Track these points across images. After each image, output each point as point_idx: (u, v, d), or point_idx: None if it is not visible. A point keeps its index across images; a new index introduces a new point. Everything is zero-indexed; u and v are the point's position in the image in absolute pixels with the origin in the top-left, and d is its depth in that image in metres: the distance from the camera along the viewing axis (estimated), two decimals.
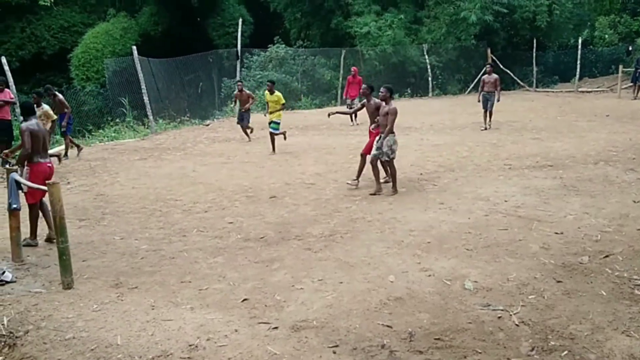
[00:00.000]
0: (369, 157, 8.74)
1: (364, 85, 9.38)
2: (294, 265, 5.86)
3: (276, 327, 4.50)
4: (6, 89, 11.74)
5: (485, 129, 14.21)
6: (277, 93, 12.72)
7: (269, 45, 23.75)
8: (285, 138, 12.84)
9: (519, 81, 24.81)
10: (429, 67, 23.68)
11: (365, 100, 9.12)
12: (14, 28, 26.87)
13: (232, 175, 10.30)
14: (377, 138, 8.61)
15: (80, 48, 26.06)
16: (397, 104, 18.11)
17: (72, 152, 12.71)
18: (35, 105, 9.99)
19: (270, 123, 12.53)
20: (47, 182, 5.61)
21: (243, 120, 14.35)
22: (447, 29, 23.93)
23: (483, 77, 14.80)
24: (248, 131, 14.45)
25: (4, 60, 13.74)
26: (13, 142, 11.15)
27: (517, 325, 4.41)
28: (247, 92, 14.60)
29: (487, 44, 24.27)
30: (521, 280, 5.22)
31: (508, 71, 24.30)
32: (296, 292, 5.20)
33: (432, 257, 5.89)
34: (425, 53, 23.76)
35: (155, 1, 27.84)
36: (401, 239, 6.50)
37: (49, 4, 23.09)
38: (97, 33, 26.48)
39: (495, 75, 14.47)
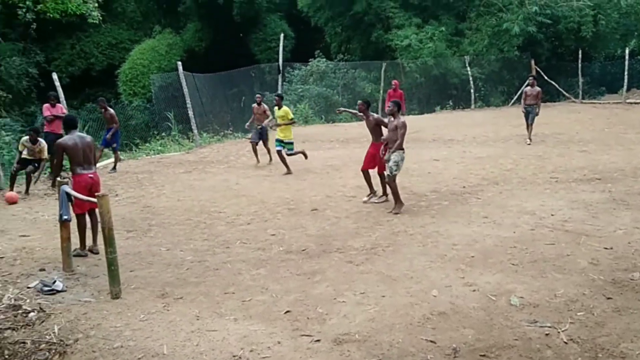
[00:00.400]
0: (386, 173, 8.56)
1: (359, 101, 9.30)
2: (335, 278, 5.86)
3: (318, 340, 4.51)
4: (58, 104, 12.07)
5: (530, 142, 13.83)
6: (284, 108, 12.04)
7: (310, 59, 23.96)
8: (306, 157, 12.15)
9: (564, 92, 24.29)
10: (470, 78, 23.43)
11: (363, 116, 9.07)
12: (64, 45, 27.88)
13: (274, 188, 10.40)
14: (384, 152, 8.44)
15: (127, 64, 26.86)
16: (439, 116, 17.80)
17: (120, 165, 13.08)
18: (31, 142, 10.50)
19: (277, 141, 11.81)
20: (96, 194, 5.78)
21: (262, 136, 12.94)
22: (490, 40, 23.65)
23: (525, 89, 14.51)
24: (261, 152, 13.11)
25: (55, 76, 14.27)
26: None
27: (565, 342, 4.30)
28: (265, 106, 13.13)
29: (531, 55, 23.87)
30: (569, 296, 5.09)
31: (553, 82, 23.83)
32: (338, 305, 5.20)
33: (477, 271, 5.80)
34: (467, 65, 23.54)
35: (199, 18, 28.50)
36: (444, 252, 6.42)
37: (97, 22, 23.81)
38: (143, 49, 27.25)
39: (537, 88, 14.13)
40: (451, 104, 23.47)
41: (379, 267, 6.11)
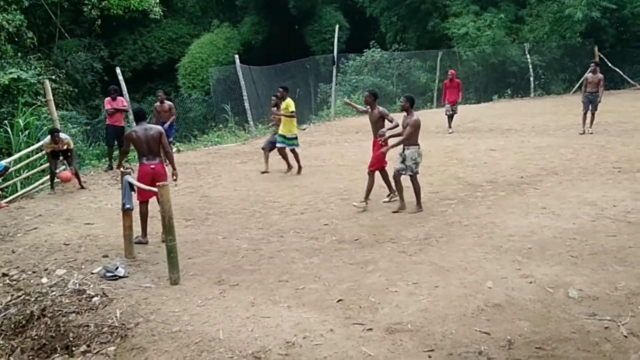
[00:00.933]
0: (390, 172, 8.24)
1: (366, 93, 8.79)
2: (388, 268, 5.87)
3: (370, 329, 4.55)
4: (119, 97, 12.37)
5: (584, 132, 13.10)
6: (287, 100, 10.76)
7: (365, 50, 23.84)
8: (298, 170, 11.07)
9: (629, 80, 23.17)
10: (530, 66, 22.69)
11: (369, 108, 8.58)
12: (127, 40, 28.79)
13: (327, 178, 10.46)
14: (400, 151, 8.05)
15: (186, 58, 27.49)
16: (496, 105, 17.32)
17: (179, 156, 13.46)
18: (54, 142, 10.23)
19: (279, 136, 10.90)
20: (157, 184, 6.01)
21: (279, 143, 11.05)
22: (551, 27, 22.81)
23: (587, 75, 13.78)
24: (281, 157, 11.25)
25: (118, 70, 14.81)
26: None
27: (625, 336, 4.17)
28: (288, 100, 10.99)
29: (594, 42, 22.89)
30: (631, 289, 4.92)
31: (617, 69, 22.78)
32: (390, 294, 5.21)
33: (534, 263, 5.68)
34: (526, 52, 22.81)
35: (256, 11, 28.84)
36: (500, 244, 6.31)
37: (158, 17, 24.53)
38: (202, 43, 27.81)
39: (600, 75, 13.38)
40: (509, 92, 22.83)
41: (432, 257, 6.07)
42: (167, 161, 7.43)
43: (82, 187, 10.63)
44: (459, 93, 15.04)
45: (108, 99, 12.12)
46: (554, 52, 23.38)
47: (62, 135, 10.59)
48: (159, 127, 7.42)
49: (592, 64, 13.75)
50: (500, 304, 4.83)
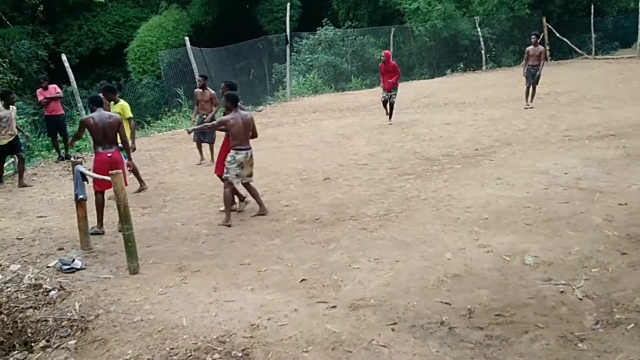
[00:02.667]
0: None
1: (223, 84, 8.01)
2: (349, 245, 5.90)
3: (334, 306, 4.57)
4: (51, 85, 11.65)
5: (527, 106, 13.00)
6: (122, 103, 8.72)
7: (318, 28, 23.69)
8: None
9: (577, 49, 23.78)
10: (481, 40, 23.01)
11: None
12: (72, 26, 27.82)
13: (285, 159, 10.41)
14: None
15: (135, 42, 26.77)
16: (450, 79, 17.56)
17: None
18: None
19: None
20: (110, 172, 5.85)
21: (205, 136, 10.48)
22: None
23: (527, 48, 13.55)
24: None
25: (64, 57, 14.26)
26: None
27: (580, 299, 4.31)
28: (211, 91, 10.55)
29: (542, 13, 23.36)
30: (584, 253, 5.08)
31: (565, 39, 23.34)
32: (353, 271, 5.25)
33: (490, 233, 5.81)
34: (477, 26, 23.10)
35: None
36: (457, 216, 6.43)
37: (103, 1, 23.82)
38: (150, 26, 27.11)
39: (541, 47, 13.39)
40: (462, 66, 23.13)
41: (393, 232, 6.14)
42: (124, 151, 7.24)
43: (24, 185, 9.92)
44: (396, 77, 12.62)
45: (39, 89, 11.60)
46: (503, 24, 23.76)
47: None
48: (118, 116, 7.11)
49: (533, 36, 13.49)
50: (460, 274, 4.93)
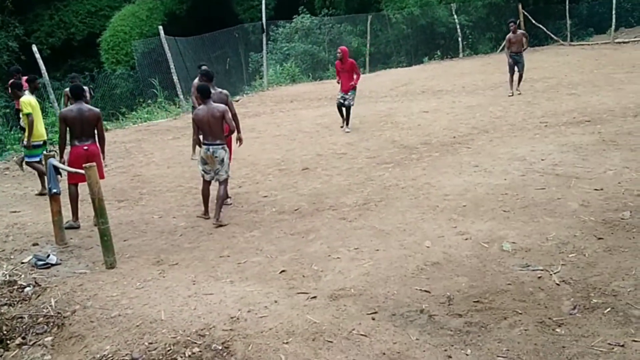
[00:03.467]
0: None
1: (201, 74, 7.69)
2: (329, 236, 5.89)
3: (315, 297, 4.56)
4: (24, 77, 10.72)
5: (512, 94, 12.87)
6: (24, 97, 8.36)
7: (294, 16, 23.50)
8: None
9: (552, 36, 23.97)
10: (458, 27, 23.05)
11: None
12: (43, 16, 27.17)
13: (264, 150, 10.33)
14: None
15: (108, 32, 26.24)
16: (427, 67, 17.48)
17: (107, 135, 12.92)
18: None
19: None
20: (84, 165, 5.74)
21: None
22: None
23: (508, 36, 13.45)
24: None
25: (34, 48, 13.94)
26: None
27: (557, 284, 4.36)
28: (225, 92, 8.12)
29: (518, 0, 23.50)
30: (561, 239, 5.14)
31: (541, 26, 23.48)
32: (333, 261, 5.24)
33: (469, 220, 5.84)
34: (454, 13, 23.14)
35: None
36: (436, 204, 6.45)
37: None
38: (123, 16, 26.59)
39: (521, 31, 13.38)
40: (439, 54, 23.15)
41: (372, 222, 6.14)
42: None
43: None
44: (354, 77, 10.87)
45: (11, 81, 11.22)
46: (480, 11, 23.83)
47: None
48: (97, 110, 6.97)
49: (511, 24, 13.47)
50: (439, 262, 4.95)
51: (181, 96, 16.50)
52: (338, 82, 11.30)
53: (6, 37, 24.22)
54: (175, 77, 16.21)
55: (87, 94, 9.81)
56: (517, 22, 13.60)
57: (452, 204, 6.38)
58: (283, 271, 5.15)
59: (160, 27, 16.77)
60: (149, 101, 18.61)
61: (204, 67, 8.38)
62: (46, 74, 13.51)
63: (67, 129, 6.81)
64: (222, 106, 6.87)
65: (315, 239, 5.87)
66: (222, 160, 6.82)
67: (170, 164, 9.95)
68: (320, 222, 6.34)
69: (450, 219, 5.94)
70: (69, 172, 6.56)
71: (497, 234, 5.40)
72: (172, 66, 16.12)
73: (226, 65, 22.41)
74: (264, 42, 19.81)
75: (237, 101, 17.35)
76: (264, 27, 19.78)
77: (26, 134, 8.40)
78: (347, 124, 11.10)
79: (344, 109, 11.04)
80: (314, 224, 6.30)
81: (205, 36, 20.90)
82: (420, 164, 8.26)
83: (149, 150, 11.30)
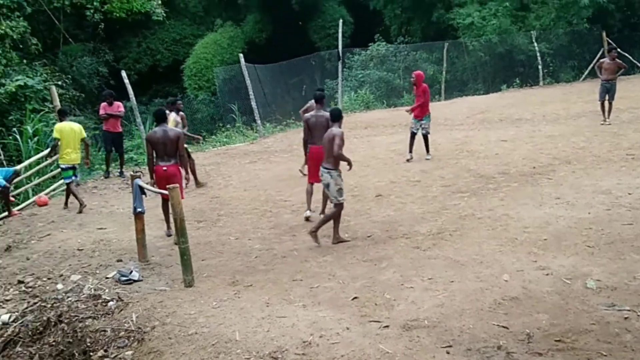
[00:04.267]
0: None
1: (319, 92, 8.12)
2: (402, 264, 5.83)
3: (387, 326, 4.52)
4: (116, 102, 11.71)
5: (605, 121, 12.43)
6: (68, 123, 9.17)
7: (370, 44, 23.72)
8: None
9: (638, 64, 22.92)
10: (538, 54, 22.47)
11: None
12: (131, 43, 28.83)
13: None
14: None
15: (191, 59, 27.49)
16: (505, 95, 17.06)
17: None
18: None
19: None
20: (168, 186, 5.99)
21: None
22: (557, 13, 22.58)
23: (602, 60, 13.00)
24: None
25: (124, 74, 14.75)
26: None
27: None
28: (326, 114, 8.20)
29: (602, 27, 22.64)
30: None
31: (627, 55, 22.51)
32: (406, 290, 5.17)
33: (550, 255, 5.62)
34: (534, 40, 22.60)
35: (259, 9, 28.77)
36: (515, 236, 6.25)
37: (161, 19, 24.61)
38: (206, 43, 27.79)
39: (618, 61, 12.73)
40: (518, 81, 22.63)
41: (447, 252, 6.03)
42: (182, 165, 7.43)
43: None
44: (419, 104, 10.59)
45: (104, 104, 11.57)
46: (561, 39, 23.15)
47: None
48: (178, 130, 7.48)
49: (613, 51, 12.94)
50: (518, 297, 4.78)
51: (259, 121, 16.95)
52: (407, 112, 11.21)
53: (97, 62, 25.80)
54: (253, 103, 16.68)
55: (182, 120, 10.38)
56: (612, 51, 12.95)
57: (532, 236, 6.16)
58: (355, 298, 5.13)
59: (241, 55, 17.36)
60: (228, 126, 19.27)
61: (318, 93, 8.52)
62: (134, 98, 14.25)
63: (153, 150, 7.17)
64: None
65: (388, 266, 5.82)
66: (328, 185, 6.91)
67: (247, 187, 10.21)
68: (393, 250, 6.29)
69: (530, 252, 5.73)
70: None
71: (581, 270, 5.17)
72: (251, 92, 16.61)
73: (302, 91, 22.85)
74: (340, 69, 20.09)
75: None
76: (340, 54, 20.07)
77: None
78: (427, 152, 10.84)
79: (415, 138, 10.80)
80: (387, 252, 6.26)
81: (283, 64, 21.47)
82: (498, 194, 8.04)
83: (227, 173, 11.64)
